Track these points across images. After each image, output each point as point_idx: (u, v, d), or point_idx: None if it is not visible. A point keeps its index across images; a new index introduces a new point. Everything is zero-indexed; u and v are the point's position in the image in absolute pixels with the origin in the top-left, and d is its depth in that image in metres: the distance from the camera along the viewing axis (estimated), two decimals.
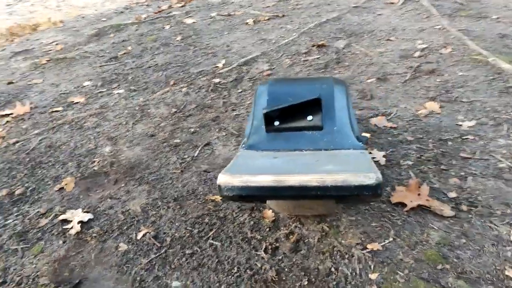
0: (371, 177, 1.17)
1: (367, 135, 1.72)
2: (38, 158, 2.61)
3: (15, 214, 2.09)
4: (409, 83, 2.93)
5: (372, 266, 1.60)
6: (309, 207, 1.77)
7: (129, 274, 1.67)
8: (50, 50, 4.87)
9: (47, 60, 4.56)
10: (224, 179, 1.24)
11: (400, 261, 1.60)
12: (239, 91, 3.23)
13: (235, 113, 2.86)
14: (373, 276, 1.56)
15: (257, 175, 1.21)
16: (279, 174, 1.20)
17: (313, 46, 3.81)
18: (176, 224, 1.91)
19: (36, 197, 2.21)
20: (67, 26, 5.65)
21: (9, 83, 4.15)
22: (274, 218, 1.87)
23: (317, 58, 3.58)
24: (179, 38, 4.64)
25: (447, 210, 1.80)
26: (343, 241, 1.73)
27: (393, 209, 1.86)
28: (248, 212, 1.91)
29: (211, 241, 1.80)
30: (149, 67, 4.25)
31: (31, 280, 1.67)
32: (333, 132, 1.55)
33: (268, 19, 4.79)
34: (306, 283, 1.57)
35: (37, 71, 4.32)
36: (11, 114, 3.55)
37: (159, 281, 1.64)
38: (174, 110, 3.04)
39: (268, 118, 1.59)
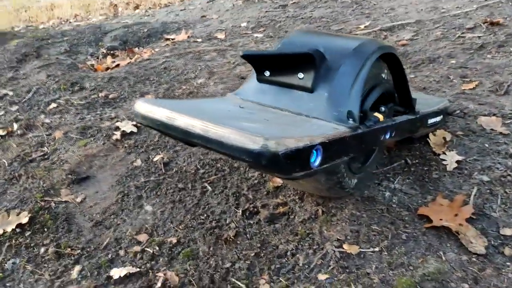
0: (256, 142, 0.95)
1: (380, 116, 1.35)
2: (149, 75, 2.98)
3: (96, 112, 2.49)
4: None
5: (330, 267, 1.34)
6: (313, 185, 1.56)
7: (122, 185, 1.83)
8: None
9: (243, 2, 5.04)
10: (137, 104, 1.20)
11: (364, 275, 1.29)
12: None
13: None
14: (322, 277, 1.31)
15: (161, 108, 1.13)
16: (173, 112, 1.09)
17: (485, 22, 3.13)
18: (192, 159, 1.96)
19: (119, 104, 2.57)
20: None
21: (202, 16, 4.84)
22: (279, 185, 1.73)
23: (478, 37, 2.94)
24: None
25: (479, 245, 1.33)
26: (324, 231, 1.48)
27: (412, 220, 1.48)
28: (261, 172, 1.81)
29: (205, 185, 1.79)
30: (302, 18, 4.24)
31: (59, 162, 2.01)
32: (324, 98, 1.29)
33: None
34: (253, 254, 1.44)
35: (227, 10, 4.84)
36: (174, 39, 4.12)
37: (138, 202, 1.75)
38: None
39: (257, 66, 1.43)
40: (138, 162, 1.96)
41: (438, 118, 1.91)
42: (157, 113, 1.11)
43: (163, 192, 1.77)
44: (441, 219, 1.44)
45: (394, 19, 3.61)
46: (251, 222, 1.58)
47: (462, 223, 1.41)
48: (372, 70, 1.40)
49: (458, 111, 2.09)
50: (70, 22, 6.02)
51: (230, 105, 1.34)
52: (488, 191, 1.57)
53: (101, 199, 1.79)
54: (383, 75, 1.49)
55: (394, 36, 3.23)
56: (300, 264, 1.37)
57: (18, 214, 1.70)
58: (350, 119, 1.26)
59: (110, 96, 2.70)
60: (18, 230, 1.65)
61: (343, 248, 1.40)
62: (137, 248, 1.51)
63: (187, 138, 1.05)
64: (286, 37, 1.52)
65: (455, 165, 1.72)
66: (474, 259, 1.30)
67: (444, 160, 1.76)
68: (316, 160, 1.10)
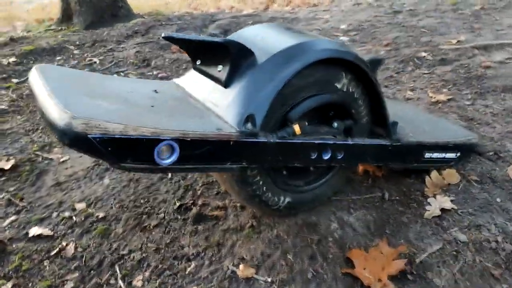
0: (63, 118, 0.87)
1: (296, 129, 1.13)
2: None
3: None
4: None
5: (210, 284, 1.23)
6: (231, 192, 1.44)
7: None
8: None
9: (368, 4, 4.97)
10: (34, 68, 1.20)
11: None
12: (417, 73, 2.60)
13: None
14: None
15: (40, 75, 1.12)
16: (42, 80, 1.08)
17: None
18: None
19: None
20: None
21: (315, 16, 4.93)
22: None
23: None
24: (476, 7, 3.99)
25: None
26: (237, 246, 1.36)
27: (335, 261, 1.26)
28: None
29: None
30: (403, 26, 3.94)
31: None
32: (232, 96, 1.15)
33: None
34: (154, 248, 1.39)
35: (343, 10, 4.82)
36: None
37: (103, 173, 1.82)
38: None
39: (190, 54, 1.35)
40: None
41: (449, 154, 1.59)
42: (32, 78, 1.13)
43: None
44: (364, 268, 1.20)
45: (500, 38, 3.08)
46: (179, 217, 1.52)
47: (383, 279, 1.15)
48: (313, 75, 1.23)
49: (492, 153, 1.71)
50: (223, 12, 6.40)
51: (145, 88, 1.31)
52: (453, 253, 1.25)
53: (79, 163, 1.91)
54: (338, 85, 1.29)
55: (484, 56, 2.76)
56: (187, 272, 1.28)
57: (7, 160, 1.92)
58: (248, 124, 1.12)
59: (160, 75, 2.85)
60: None
61: (238, 269, 1.26)
62: (67, 214, 1.58)
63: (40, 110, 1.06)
64: (243, 28, 1.42)
65: (438, 213, 1.42)
66: None
67: (428, 204, 1.45)
68: (169, 157, 1.01)
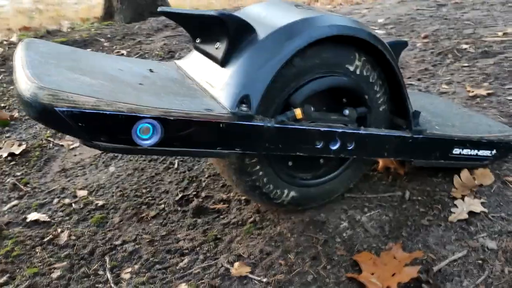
0: (28, 89, 0.80)
1: (297, 112, 1.00)
2: None
3: None
4: None
5: (201, 281, 1.13)
6: (229, 182, 1.35)
7: None
8: None
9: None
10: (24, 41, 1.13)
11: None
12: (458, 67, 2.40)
13: None
14: (184, 287, 1.11)
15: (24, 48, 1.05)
16: (26, 52, 1.01)
17: None
18: None
19: None
20: None
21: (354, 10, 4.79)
22: None
23: None
24: None
25: None
26: (235, 242, 1.26)
27: (340, 264, 1.14)
28: None
29: (176, 161, 1.71)
30: (446, 19, 3.74)
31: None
32: (228, 75, 1.04)
33: None
34: (148, 240, 1.30)
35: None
36: None
37: (110, 161, 1.77)
38: None
39: (189, 32, 1.25)
40: None
41: (483, 152, 1.42)
42: (16, 51, 1.07)
43: (135, 158, 1.75)
44: (372, 274, 1.07)
45: None
46: (179, 209, 1.44)
47: (392, 287, 1.01)
48: (320, 55, 1.11)
49: None
50: None
51: (140, 67, 1.22)
52: (479, 262, 1.09)
53: (88, 151, 1.87)
54: (350, 67, 1.16)
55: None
56: (178, 267, 1.19)
57: (19, 145, 1.90)
58: (243, 105, 1.01)
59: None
60: (9, 158, 1.84)
61: (232, 266, 1.16)
62: (67, 200, 1.53)
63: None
64: (252, 5, 1.32)
65: (465, 217, 1.25)
66: None
67: (455, 206, 1.29)
68: (150, 137, 0.92)
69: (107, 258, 1.24)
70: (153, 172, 1.66)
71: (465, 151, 1.38)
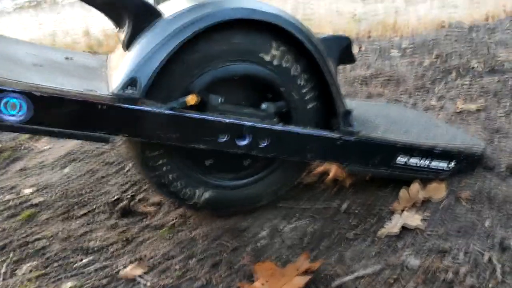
0: None
1: (190, 99, 0.90)
2: None
3: None
4: None
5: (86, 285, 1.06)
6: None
7: (81, 144, 1.89)
8: None
9: None
10: None
11: None
12: None
13: None
14: (67, 285, 1.05)
15: None
16: None
17: None
18: None
19: None
20: None
21: None
22: None
23: None
24: None
25: None
26: (145, 243, 1.19)
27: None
28: None
29: None
30: (469, 40, 3.44)
31: None
32: (126, 59, 0.99)
33: None
34: (65, 236, 1.26)
35: None
36: None
37: (70, 162, 1.78)
38: None
39: (110, 18, 1.23)
40: None
41: (438, 163, 1.27)
42: None
43: (92, 160, 1.74)
44: (263, 284, 0.96)
45: None
46: (109, 210, 1.39)
47: None
48: (228, 40, 1.05)
49: (504, 169, 1.33)
50: None
51: (56, 55, 1.21)
52: (389, 280, 0.95)
53: (56, 153, 1.89)
54: (266, 57, 1.08)
55: None
56: (76, 265, 1.14)
57: None
58: (129, 88, 0.97)
59: None
60: None
61: (126, 269, 1.09)
62: (9, 197, 1.53)
63: None
64: None
65: (395, 232, 1.11)
66: None
67: (388, 220, 1.15)
68: (16, 113, 0.90)
69: (11, 254, 1.21)
70: (104, 174, 1.64)
71: (413, 161, 1.25)
